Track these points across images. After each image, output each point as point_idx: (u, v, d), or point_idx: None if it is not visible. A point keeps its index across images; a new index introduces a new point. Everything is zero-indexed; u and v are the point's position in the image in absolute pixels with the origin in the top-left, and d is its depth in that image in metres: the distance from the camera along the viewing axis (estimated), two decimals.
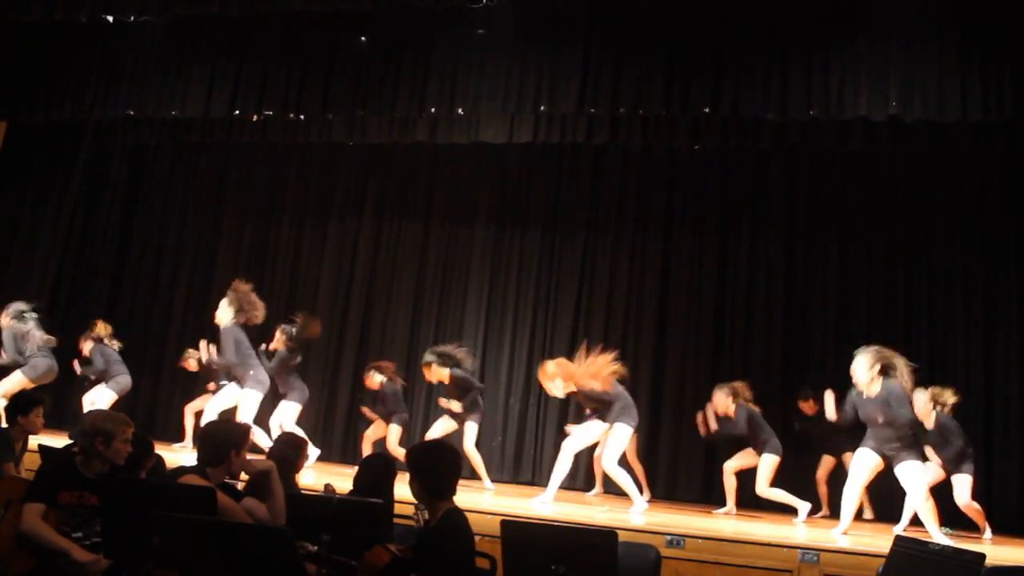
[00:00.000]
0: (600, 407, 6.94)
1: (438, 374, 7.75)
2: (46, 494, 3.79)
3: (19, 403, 5.25)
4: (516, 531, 3.71)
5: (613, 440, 6.83)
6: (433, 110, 7.81)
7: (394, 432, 8.15)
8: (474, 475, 7.75)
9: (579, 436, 7.05)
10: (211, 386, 8.55)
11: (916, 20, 6.72)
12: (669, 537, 5.21)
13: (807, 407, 7.82)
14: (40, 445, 5.22)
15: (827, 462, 7.83)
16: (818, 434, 7.72)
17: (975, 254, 8.45)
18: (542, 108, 7.57)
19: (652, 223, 9.24)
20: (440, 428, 7.86)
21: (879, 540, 5.76)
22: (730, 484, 7.49)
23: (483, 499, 6.80)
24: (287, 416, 7.98)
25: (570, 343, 9.18)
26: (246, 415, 7.39)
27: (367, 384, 8.44)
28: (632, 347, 9.00)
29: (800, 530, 6.48)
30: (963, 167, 8.48)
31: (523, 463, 8.98)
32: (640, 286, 9.14)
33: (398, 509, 4.46)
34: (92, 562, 3.62)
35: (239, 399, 7.49)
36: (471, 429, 7.67)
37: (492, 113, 8.14)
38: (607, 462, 6.83)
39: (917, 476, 6.03)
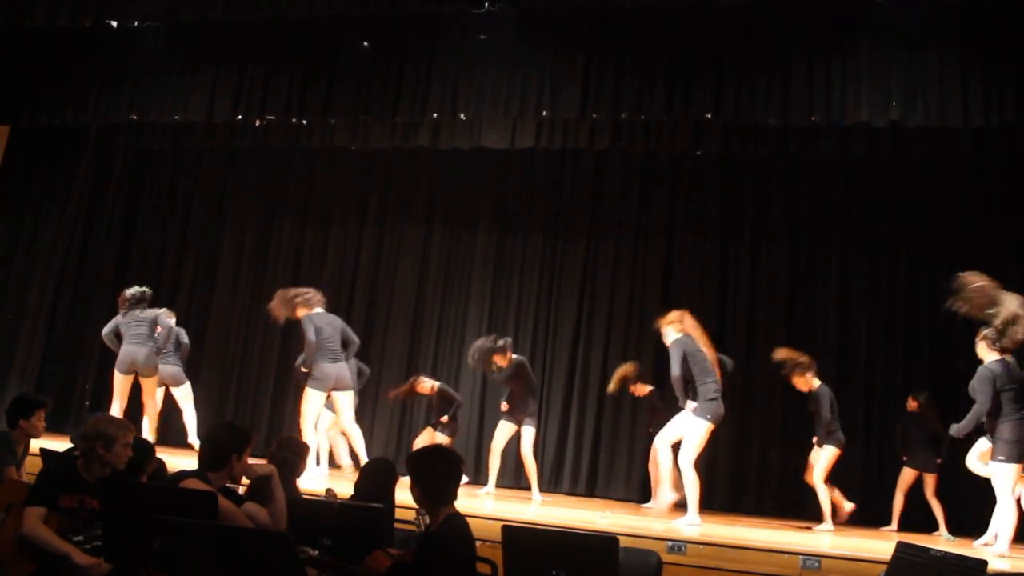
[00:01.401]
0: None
1: (508, 359, 7.65)
2: (47, 498, 3.78)
3: (21, 406, 5.23)
4: (517, 536, 3.71)
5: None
6: (435, 115, 7.82)
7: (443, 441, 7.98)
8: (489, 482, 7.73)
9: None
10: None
11: (917, 26, 6.74)
12: (670, 543, 5.20)
13: (913, 404, 7.70)
14: (41, 449, 5.22)
15: (908, 475, 7.58)
16: (915, 439, 7.56)
17: (977, 259, 8.39)
18: (544, 113, 7.58)
19: (654, 228, 9.24)
20: (503, 433, 7.75)
21: (881, 546, 5.75)
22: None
23: (484, 504, 6.79)
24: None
25: (572, 348, 9.20)
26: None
27: (418, 390, 8.30)
28: (634, 351, 9.00)
29: (801, 536, 6.46)
30: (965, 172, 8.49)
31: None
32: (642, 291, 9.14)
33: (399, 514, 4.45)
34: (93, 566, 3.62)
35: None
36: (528, 433, 7.62)
37: (494, 118, 8.16)
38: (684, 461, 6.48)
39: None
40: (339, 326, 7.40)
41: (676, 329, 6.70)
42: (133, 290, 7.90)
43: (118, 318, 7.85)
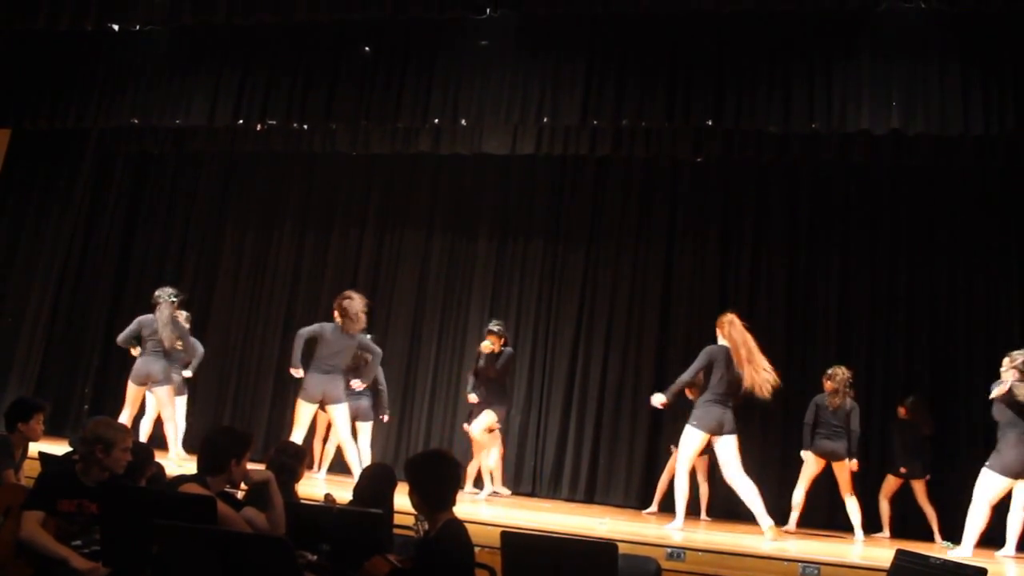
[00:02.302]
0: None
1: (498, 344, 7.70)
2: (45, 501, 3.78)
3: (20, 409, 5.24)
4: (516, 542, 3.70)
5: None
6: (436, 121, 7.81)
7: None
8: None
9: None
10: None
11: (918, 34, 6.74)
12: (669, 550, 5.20)
13: (901, 411, 7.75)
14: (40, 452, 5.23)
15: (891, 482, 7.70)
16: (901, 445, 7.64)
17: (977, 267, 8.45)
18: (545, 120, 7.57)
19: (654, 235, 9.24)
20: (484, 421, 7.67)
21: (880, 553, 5.75)
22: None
23: (483, 510, 6.79)
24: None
25: (572, 354, 9.19)
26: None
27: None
28: (633, 359, 9.01)
29: (801, 544, 6.46)
30: (965, 180, 8.49)
31: (523, 475, 8.95)
32: (642, 297, 9.13)
33: (398, 519, 4.45)
34: (91, 570, 3.61)
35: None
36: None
37: (495, 124, 8.16)
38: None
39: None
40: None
41: (721, 334, 6.69)
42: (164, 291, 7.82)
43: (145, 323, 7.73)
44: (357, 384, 7.76)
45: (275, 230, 10.25)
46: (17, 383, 9.27)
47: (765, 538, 6.31)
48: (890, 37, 6.79)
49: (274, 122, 8.28)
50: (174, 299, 7.81)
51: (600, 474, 8.86)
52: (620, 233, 9.32)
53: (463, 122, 7.80)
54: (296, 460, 4.66)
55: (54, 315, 9.83)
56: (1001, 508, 6.40)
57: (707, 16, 7.04)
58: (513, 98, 7.48)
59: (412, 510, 3.60)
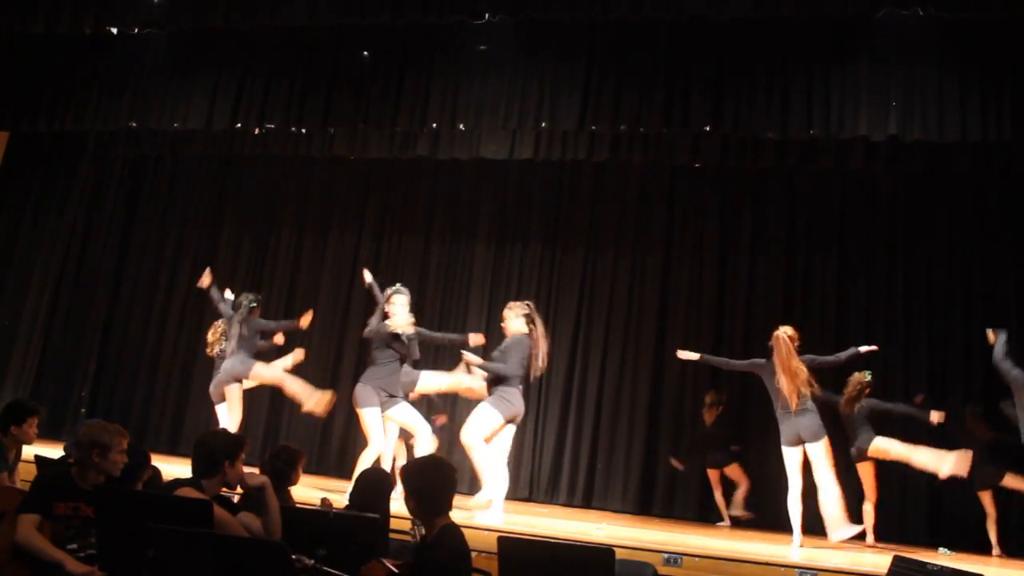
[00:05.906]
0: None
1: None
2: (41, 505, 3.77)
3: (13, 412, 5.22)
4: (513, 548, 3.70)
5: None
6: (434, 125, 7.83)
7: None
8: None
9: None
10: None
11: (916, 41, 6.76)
12: (666, 555, 5.18)
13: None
14: (36, 456, 5.21)
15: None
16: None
17: (974, 274, 8.46)
18: (543, 124, 7.58)
19: (652, 240, 9.24)
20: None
21: (877, 560, 5.74)
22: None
23: (479, 515, 6.76)
24: None
25: (570, 358, 9.18)
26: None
27: None
28: (631, 363, 9.00)
29: (798, 549, 6.45)
30: (962, 187, 8.51)
31: (520, 479, 8.92)
32: (640, 302, 9.13)
33: (394, 524, 4.44)
34: (86, 574, 3.60)
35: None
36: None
37: (493, 129, 8.16)
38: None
39: None
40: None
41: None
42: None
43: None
44: None
45: (272, 234, 10.24)
46: (13, 386, 9.26)
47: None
48: (888, 44, 6.81)
49: (272, 126, 8.28)
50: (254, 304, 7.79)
51: (597, 479, 8.84)
52: (618, 238, 9.31)
53: (461, 126, 7.81)
54: (289, 465, 4.64)
55: (51, 318, 9.82)
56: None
57: (706, 22, 7.05)
58: (511, 103, 7.49)
59: (409, 515, 3.58)
